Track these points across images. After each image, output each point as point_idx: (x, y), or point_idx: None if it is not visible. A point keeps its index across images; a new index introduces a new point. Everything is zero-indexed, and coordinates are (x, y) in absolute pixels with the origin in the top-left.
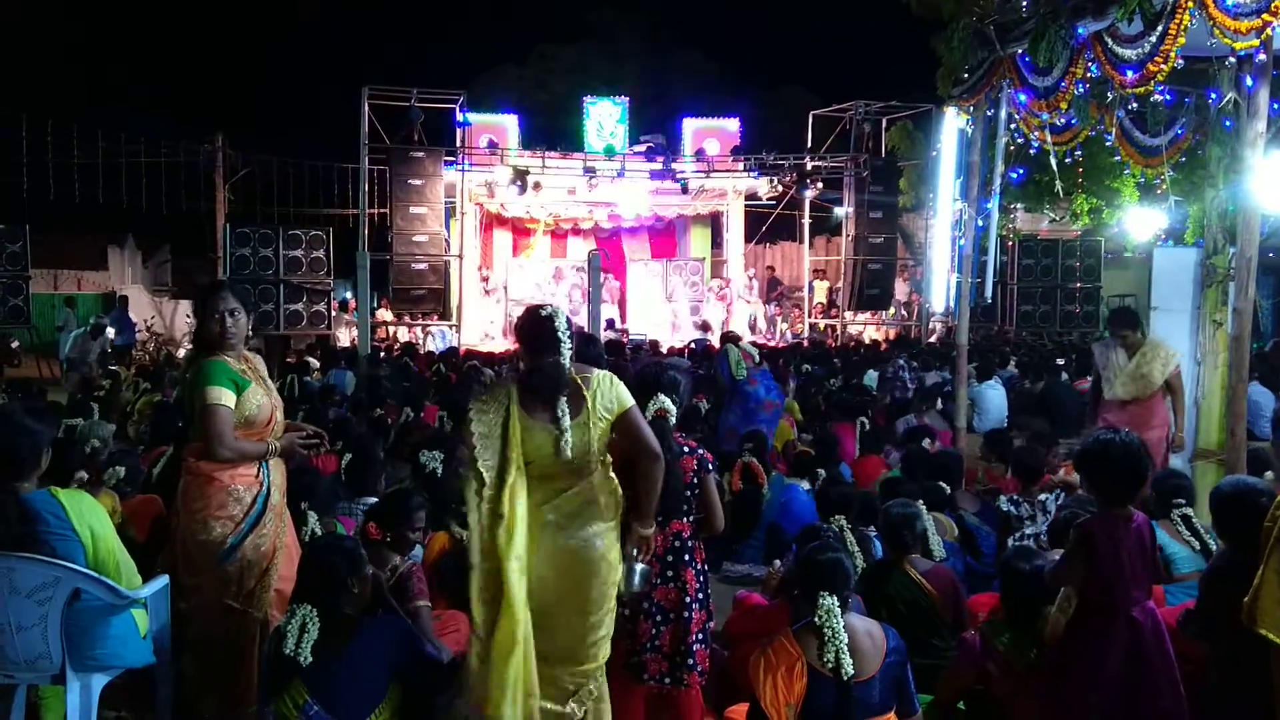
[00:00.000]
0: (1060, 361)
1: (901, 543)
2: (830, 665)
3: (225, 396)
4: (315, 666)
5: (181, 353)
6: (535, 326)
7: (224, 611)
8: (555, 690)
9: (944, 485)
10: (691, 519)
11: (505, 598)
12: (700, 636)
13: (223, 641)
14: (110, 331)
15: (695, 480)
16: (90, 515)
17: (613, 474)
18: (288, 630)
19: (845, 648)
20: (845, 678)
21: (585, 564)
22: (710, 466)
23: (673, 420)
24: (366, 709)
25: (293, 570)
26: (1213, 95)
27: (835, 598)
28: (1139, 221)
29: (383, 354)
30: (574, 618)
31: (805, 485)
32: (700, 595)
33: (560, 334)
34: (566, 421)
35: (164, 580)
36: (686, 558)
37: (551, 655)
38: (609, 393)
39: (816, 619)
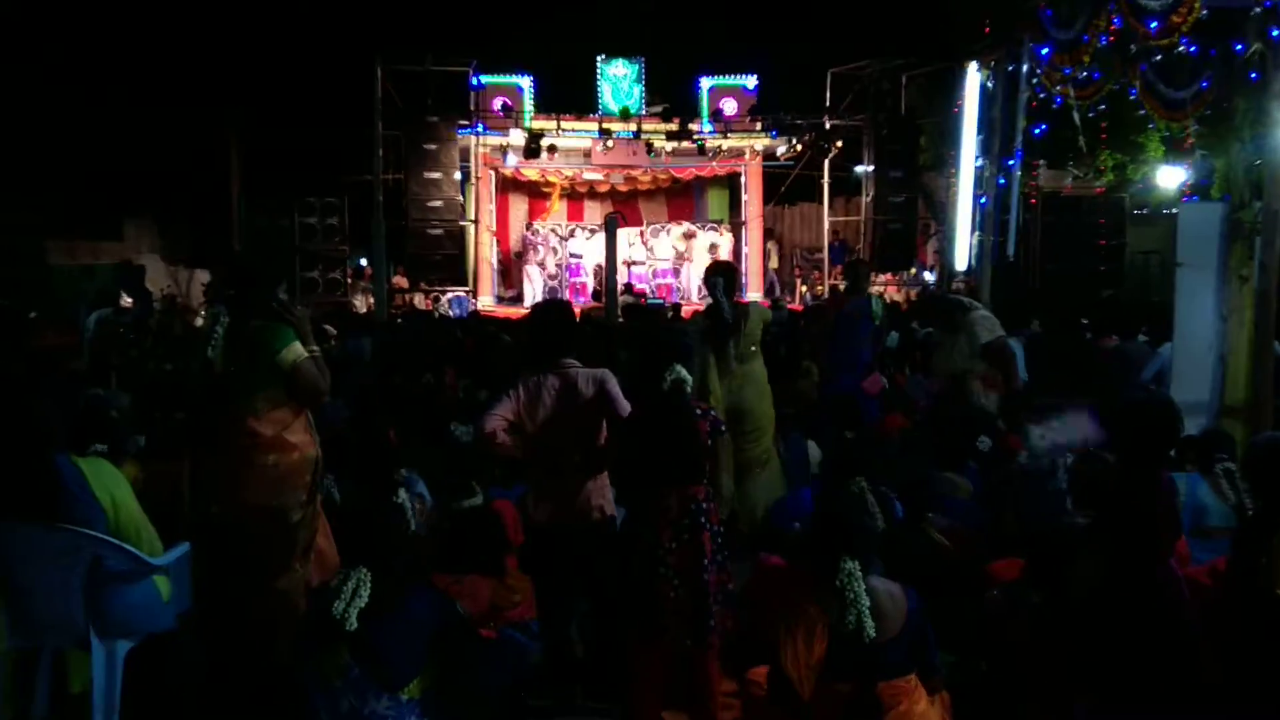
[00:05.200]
0: (1084, 321)
1: (919, 503)
2: (852, 627)
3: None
4: (360, 631)
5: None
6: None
7: (281, 576)
8: None
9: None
10: (706, 482)
11: None
12: (719, 597)
13: (273, 606)
14: (127, 300)
15: (711, 444)
16: (110, 482)
17: None
18: (341, 592)
19: (867, 610)
20: (867, 640)
21: None
22: (723, 429)
23: (689, 389)
24: (406, 677)
25: (325, 532)
26: (1238, 46)
27: (857, 561)
28: (1165, 177)
29: (400, 320)
30: None
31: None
32: (717, 557)
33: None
34: None
35: (185, 547)
36: (702, 520)
37: None
38: None
39: (838, 582)
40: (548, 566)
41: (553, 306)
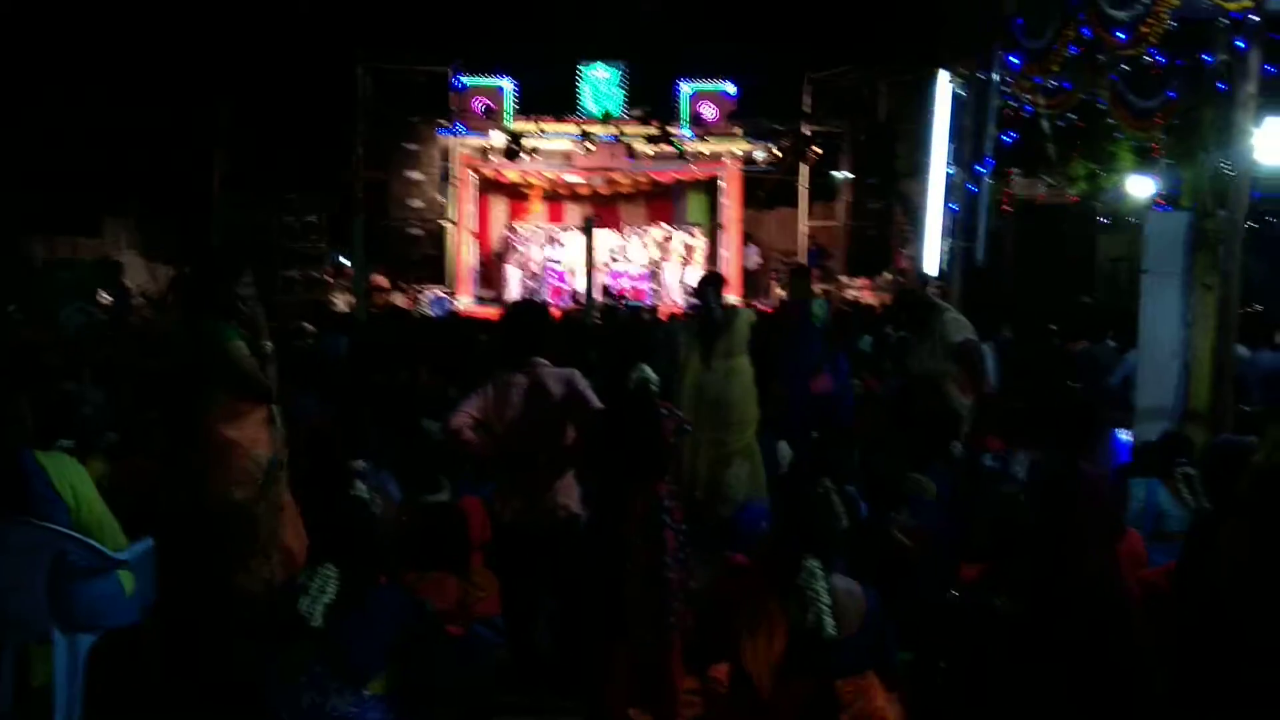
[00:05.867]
0: (1054, 327)
1: (884, 502)
2: (811, 625)
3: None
4: (325, 627)
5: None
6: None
7: (239, 572)
8: None
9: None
10: (670, 480)
11: None
12: (681, 595)
13: (231, 603)
14: (105, 297)
15: (676, 443)
16: (73, 477)
17: None
18: (307, 588)
19: (827, 608)
20: (826, 637)
21: None
22: (687, 429)
23: (655, 389)
24: (368, 675)
25: (295, 529)
26: (1206, 57)
27: (818, 560)
28: (1136, 186)
29: (378, 317)
30: None
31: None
32: (680, 555)
33: None
34: None
35: (149, 542)
36: (665, 518)
37: None
38: None
39: (799, 580)
40: (514, 564)
41: (526, 307)
